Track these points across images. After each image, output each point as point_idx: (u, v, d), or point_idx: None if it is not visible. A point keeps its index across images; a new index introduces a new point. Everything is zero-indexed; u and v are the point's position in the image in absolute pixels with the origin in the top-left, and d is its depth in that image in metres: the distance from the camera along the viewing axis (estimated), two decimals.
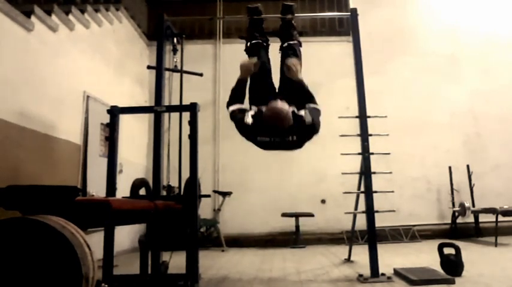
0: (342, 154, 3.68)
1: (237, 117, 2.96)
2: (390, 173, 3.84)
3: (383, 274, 3.14)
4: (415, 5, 7.22)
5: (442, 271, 3.13)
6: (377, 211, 3.29)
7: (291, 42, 3.45)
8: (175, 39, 3.83)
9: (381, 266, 3.18)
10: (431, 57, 6.83)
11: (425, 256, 4.28)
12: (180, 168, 3.32)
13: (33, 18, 3.65)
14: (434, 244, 3.63)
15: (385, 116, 3.53)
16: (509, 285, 2.83)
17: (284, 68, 3.16)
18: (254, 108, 3.03)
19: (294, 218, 6.06)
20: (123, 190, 3.12)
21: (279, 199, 6.31)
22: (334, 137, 3.76)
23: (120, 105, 3.31)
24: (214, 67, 6.94)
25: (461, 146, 6.59)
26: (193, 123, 3.04)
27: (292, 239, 6.01)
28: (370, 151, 3.34)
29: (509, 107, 6.67)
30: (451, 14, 7.10)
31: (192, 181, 2.97)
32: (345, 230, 5.95)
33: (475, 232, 5.96)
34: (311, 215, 6.07)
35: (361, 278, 3.11)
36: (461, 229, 6.03)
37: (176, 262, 3.21)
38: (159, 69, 3.53)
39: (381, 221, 3.57)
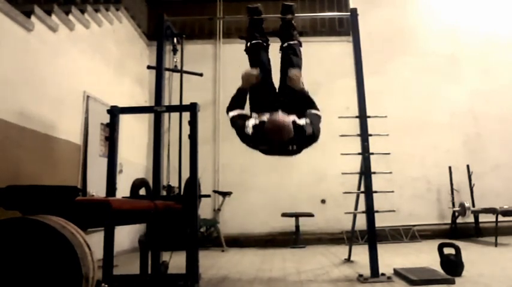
0: (342, 154, 3.68)
1: (237, 125, 2.96)
2: (390, 173, 3.84)
3: (383, 274, 3.14)
4: (415, 5, 7.22)
5: (442, 271, 3.13)
6: (377, 211, 3.29)
7: (291, 42, 3.46)
8: (175, 39, 3.84)
9: (381, 266, 3.18)
10: (431, 57, 6.83)
11: (425, 256, 4.28)
12: (180, 168, 3.32)
13: (33, 18, 3.65)
14: (434, 244, 3.63)
15: (385, 116, 3.53)
16: (509, 285, 2.83)
17: (287, 79, 3.16)
18: (255, 116, 3.02)
19: (294, 218, 6.06)
20: (123, 190, 3.12)
21: (279, 199, 6.31)
22: (334, 137, 3.76)
23: (120, 105, 3.32)
24: (214, 67, 6.94)
25: (461, 146, 6.59)
26: (193, 123, 3.04)
27: (292, 239, 6.01)
28: (370, 150, 3.34)
29: (509, 107, 6.67)
30: (451, 14, 7.10)
31: (192, 181, 2.97)
32: (345, 230, 5.95)
33: (475, 232, 5.96)
34: (311, 215, 6.07)
35: (361, 278, 3.11)
36: (461, 229, 6.03)
37: (176, 262, 3.21)
38: (159, 69, 3.53)
39: (381, 221, 3.57)
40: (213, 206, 6.29)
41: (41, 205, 1.77)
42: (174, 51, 3.84)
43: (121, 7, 5.88)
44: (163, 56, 3.59)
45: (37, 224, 1.58)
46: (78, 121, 4.45)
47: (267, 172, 6.38)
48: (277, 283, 3.16)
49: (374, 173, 3.33)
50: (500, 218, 5.19)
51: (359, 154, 3.39)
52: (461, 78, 6.81)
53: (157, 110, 3.30)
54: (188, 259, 2.91)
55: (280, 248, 5.68)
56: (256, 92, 3.20)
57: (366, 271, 3.19)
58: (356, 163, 3.56)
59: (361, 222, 3.61)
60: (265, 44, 3.50)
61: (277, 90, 3.30)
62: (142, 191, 3.11)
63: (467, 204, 5.57)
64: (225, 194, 5.99)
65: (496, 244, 4.92)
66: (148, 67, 5.15)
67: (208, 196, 3.94)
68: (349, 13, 3.73)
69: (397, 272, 3.24)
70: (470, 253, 4.33)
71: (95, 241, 2.27)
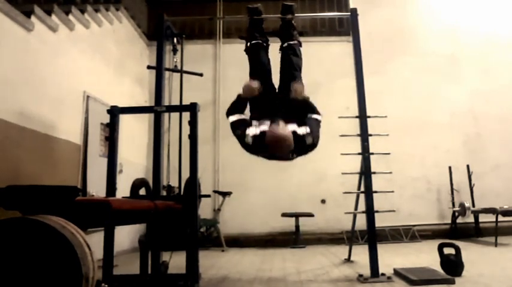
0: (342, 154, 3.68)
1: (237, 133, 2.96)
2: (390, 173, 3.84)
3: (383, 274, 3.14)
4: (415, 5, 7.22)
5: (442, 271, 3.13)
6: (377, 211, 3.29)
7: (291, 42, 3.45)
8: (175, 39, 3.84)
9: (381, 266, 3.18)
10: (431, 57, 6.83)
11: (425, 256, 4.28)
12: (180, 168, 3.32)
13: (33, 18, 3.65)
14: (434, 244, 3.63)
15: (385, 116, 3.53)
16: (509, 285, 2.83)
17: (290, 92, 3.13)
18: (255, 124, 3.01)
19: (294, 218, 6.06)
20: (123, 190, 3.12)
21: (279, 199, 6.31)
22: (334, 137, 3.76)
23: (120, 105, 3.32)
24: (214, 67, 6.94)
25: (461, 146, 6.59)
26: (193, 123, 3.04)
27: (292, 239, 6.00)
28: (370, 150, 3.34)
29: (509, 107, 6.67)
30: (451, 14, 7.10)
31: (192, 181, 2.98)
32: (345, 230, 5.95)
33: (475, 232, 5.96)
34: (311, 215, 6.07)
35: (361, 278, 3.11)
36: (461, 229, 6.02)
37: (176, 262, 3.21)
38: (159, 69, 3.53)
39: (381, 221, 3.57)
40: (213, 206, 6.29)
41: (41, 205, 1.77)
42: (174, 51, 3.84)
43: (121, 7, 5.88)
44: (163, 56, 3.59)
45: (37, 224, 1.58)
46: (78, 121, 4.45)
47: (267, 172, 6.37)
48: (277, 283, 3.16)
49: (374, 173, 3.33)
50: (500, 218, 5.19)
51: (359, 154, 3.39)
52: (461, 78, 6.81)
53: (157, 110, 3.30)
54: (188, 259, 2.91)
55: (280, 248, 5.68)
56: (256, 101, 3.19)
57: (366, 271, 3.19)
58: (356, 163, 3.56)
59: (361, 222, 3.61)
60: (265, 44, 3.49)
61: (277, 91, 3.30)
62: (142, 191, 3.11)
63: (467, 204, 5.57)
64: (225, 194, 5.99)
65: (496, 244, 4.92)
66: (148, 67, 5.16)
67: (208, 196, 3.94)
68: (349, 13, 3.74)
69: (397, 272, 3.24)
70: (470, 253, 4.33)
71: (95, 241, 2.27)
